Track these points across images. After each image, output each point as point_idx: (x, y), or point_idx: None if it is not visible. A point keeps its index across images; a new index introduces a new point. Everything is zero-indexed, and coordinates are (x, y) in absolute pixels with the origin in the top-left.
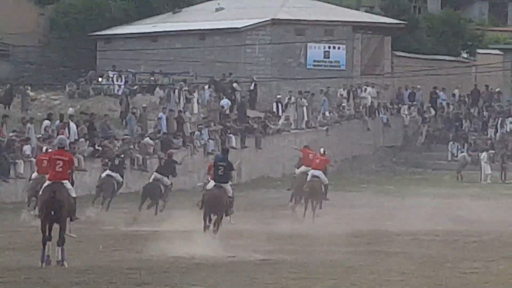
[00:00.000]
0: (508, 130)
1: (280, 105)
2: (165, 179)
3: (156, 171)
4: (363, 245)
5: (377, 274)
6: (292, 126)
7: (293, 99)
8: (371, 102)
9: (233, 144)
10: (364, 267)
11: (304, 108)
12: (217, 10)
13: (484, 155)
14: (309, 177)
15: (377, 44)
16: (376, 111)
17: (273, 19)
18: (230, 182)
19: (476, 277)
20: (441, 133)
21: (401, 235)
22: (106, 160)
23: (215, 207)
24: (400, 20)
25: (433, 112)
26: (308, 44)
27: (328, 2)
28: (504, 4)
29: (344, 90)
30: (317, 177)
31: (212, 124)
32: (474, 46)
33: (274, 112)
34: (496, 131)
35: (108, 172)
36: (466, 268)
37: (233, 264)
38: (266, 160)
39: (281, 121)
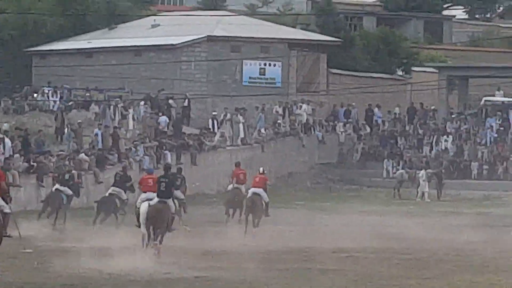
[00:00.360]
0: (443, 148)
1: (215, 122)
2: (122, 193)
3: (113, 185)
4: (297, 262)
5: None
6: (228, 143)
7: (228, 115)
8: (307, 119)
9: (169, 160)
10: (299, 284)
11: (240, 125)
12: (152, 26)
13: (422, 173)
14: (249, 194)
15: (313, 62)
16: (312, 128)
17: (208, 36)
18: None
19: None
20: (376, 150)
21: (336, 252)
22: (56, 175)
23: (158, 222)
24: (335, 37)
25: (368, 129)
26: (244, 61)
27: (264, 19)
28: (439, 22)
29: (279, 107)
30: (258, 194)
31: (147, 140)
32: (410, 64)
33: (209, 128)
34: (431, 149)
35: (57, 186)
36: (400, 285)
37: (168, 281)
38: (201, 177)
39: (217, 137)
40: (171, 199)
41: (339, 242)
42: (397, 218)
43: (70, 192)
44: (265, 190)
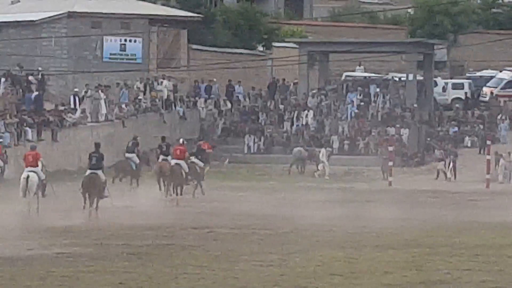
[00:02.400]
0: (304, 123)
1: (77, 98)
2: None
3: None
4: (159, 238)
5: (173, 267)
6: (89, 119)
7: (89, 92)
8: (168, 95)
9: (29, 137)
10: (160, 260)
11: (101, 101)
12: (12, 3)
13: (322, 151)
14: (172, 164)
15: (173, 37)
16: (173, 104)
17: (69, 12)
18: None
19: (272, 270)
20: (238, 126)
21: (198, 228)
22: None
23: (91, 189)
24: (196, 13)
25: (229, 105)
26: (104, 37)
27: None
28: None
29: (140, 83)
30: (179, 164)
31: (8, 116)
32: (270, 39)
33: (70, 105)
34: (292, 124)
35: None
36: (262, 261)
37: (29, 258)
38: (62, 153)
39: (78, 114)
40: (100, 170)
41: (199, 218)
42: (259, 194)
43: (137, 159)
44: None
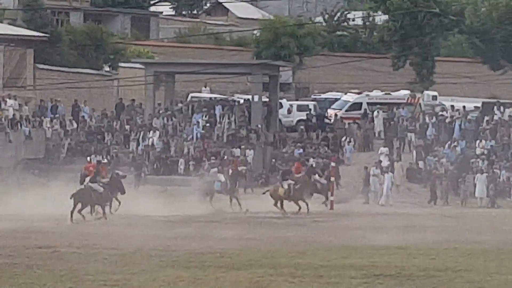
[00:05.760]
0: (149, 143)
1: None
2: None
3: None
4: (3, 258)
5: (17, 287)
6: None
7: None
8: (13, 114)
9: None
10: (4, 279)
11: None
12: None
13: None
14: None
15: (20, 57)
16: (18, 124)
17: None
18: None
19: None
20: (83, 146)
21: (42, 247)
22: None
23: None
24: (42, 33)
25: (75, 125)
26: None
27: None
28: (146, 19)
29: None
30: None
31: None
32: (117, 59)
33: None
34: (138, 145)
35: None
36: (106, 281)
37: None
38: None
39: None
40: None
41: (44, 238)
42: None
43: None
44: None
